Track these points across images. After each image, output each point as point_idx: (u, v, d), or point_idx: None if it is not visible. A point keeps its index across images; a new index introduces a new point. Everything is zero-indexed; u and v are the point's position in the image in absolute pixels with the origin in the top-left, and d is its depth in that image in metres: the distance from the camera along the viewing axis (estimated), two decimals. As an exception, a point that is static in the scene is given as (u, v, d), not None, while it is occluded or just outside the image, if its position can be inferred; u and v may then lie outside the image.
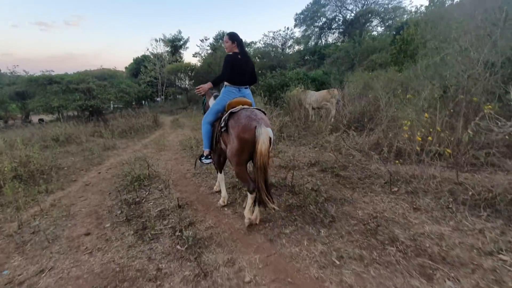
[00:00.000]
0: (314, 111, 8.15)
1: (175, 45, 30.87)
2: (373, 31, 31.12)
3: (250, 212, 2.67)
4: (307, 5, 32.28)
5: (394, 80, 6.77)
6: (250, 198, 2.60)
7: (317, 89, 10.62)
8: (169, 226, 2.87)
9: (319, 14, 32.43)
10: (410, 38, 11.74)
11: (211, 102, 3.27)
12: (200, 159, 3.19)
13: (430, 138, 3.58)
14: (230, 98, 2.92)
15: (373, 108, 5.75)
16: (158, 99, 29.85)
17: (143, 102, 29.40)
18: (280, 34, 24.66)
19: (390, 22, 29.76)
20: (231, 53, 2.96)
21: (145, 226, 2.89)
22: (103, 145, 7.76)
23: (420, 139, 3.48)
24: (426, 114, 3.61)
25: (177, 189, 3.95)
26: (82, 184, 4.64)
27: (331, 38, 33.12)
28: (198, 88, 2.97)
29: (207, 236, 2.62)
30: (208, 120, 3.03)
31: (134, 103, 25.42)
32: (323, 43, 31.86)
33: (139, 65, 29.18)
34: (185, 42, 31.89)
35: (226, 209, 3.21)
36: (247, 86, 3.08)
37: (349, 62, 20.73)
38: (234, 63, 2.87)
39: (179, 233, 2.67)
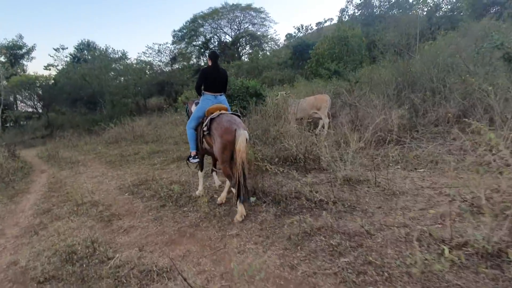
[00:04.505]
0: (297, 121, 6.44)
1: (15, 53, 21.34)
2: (246, 53, 32.78)
3: (225, 197, 3.21)
4: (185, 22, 30.25)
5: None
6: (233, 190, 2.84)
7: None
8: None
9: (198, 33, 31.00)
10: (326, 53, 12.18)
11: (193, 108, 3.53)
12: (188, 159, 3.37)
13: None
14: (208, 105, 3.14)
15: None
16: (-14, 127, 19.42)
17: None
18: (168, 47, 21.40)
19: (257, 47, 32.08)
20: (205, 66, 3.35)
21: None
22: None
23: None
24: None
25: None
26: None
27: (210, 58, 32.35)
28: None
29: None
30: (191, 126, 3.29)
31: None
32: (203, 62, 30.61)
33: None
34: (30, 50, 22.65)
35: None
36: (222, 93, 3.32)
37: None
38: (207, 74, 3.22)
39: None
